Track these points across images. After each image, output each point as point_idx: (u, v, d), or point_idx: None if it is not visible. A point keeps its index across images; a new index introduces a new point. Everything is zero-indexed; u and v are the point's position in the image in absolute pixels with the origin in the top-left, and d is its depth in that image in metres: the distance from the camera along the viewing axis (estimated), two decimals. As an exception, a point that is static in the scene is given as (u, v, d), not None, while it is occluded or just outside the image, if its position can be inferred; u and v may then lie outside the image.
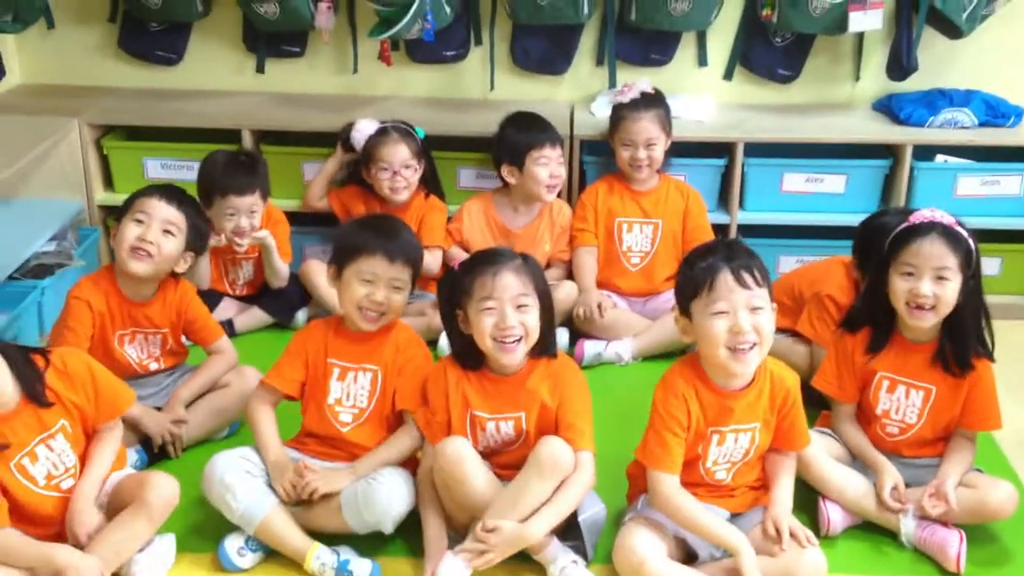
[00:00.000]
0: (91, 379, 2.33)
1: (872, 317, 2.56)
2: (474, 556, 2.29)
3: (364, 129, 3.48)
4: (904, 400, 2.55)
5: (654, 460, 2.31)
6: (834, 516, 2.51)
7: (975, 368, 2.50)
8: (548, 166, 3.44)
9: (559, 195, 3.58)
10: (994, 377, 2.52)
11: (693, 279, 2.26)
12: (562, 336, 3.29)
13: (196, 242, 2.83)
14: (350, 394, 2.51)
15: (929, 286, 2.41)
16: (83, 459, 2.33)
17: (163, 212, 2.74)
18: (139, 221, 2.72)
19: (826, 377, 2.63)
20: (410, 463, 2.51)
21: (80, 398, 2.31)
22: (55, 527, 2.29)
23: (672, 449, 2.30)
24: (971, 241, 2.44)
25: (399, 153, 3.43)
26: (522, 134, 3.47)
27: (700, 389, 2.32)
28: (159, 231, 2.72)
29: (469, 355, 2.42)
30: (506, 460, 2.43)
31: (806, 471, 2.52)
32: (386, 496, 2.34)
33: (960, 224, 2.46)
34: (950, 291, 2.41)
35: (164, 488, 2.30)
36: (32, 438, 2.24)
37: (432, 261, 3.44)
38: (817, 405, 2.71)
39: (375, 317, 2.48)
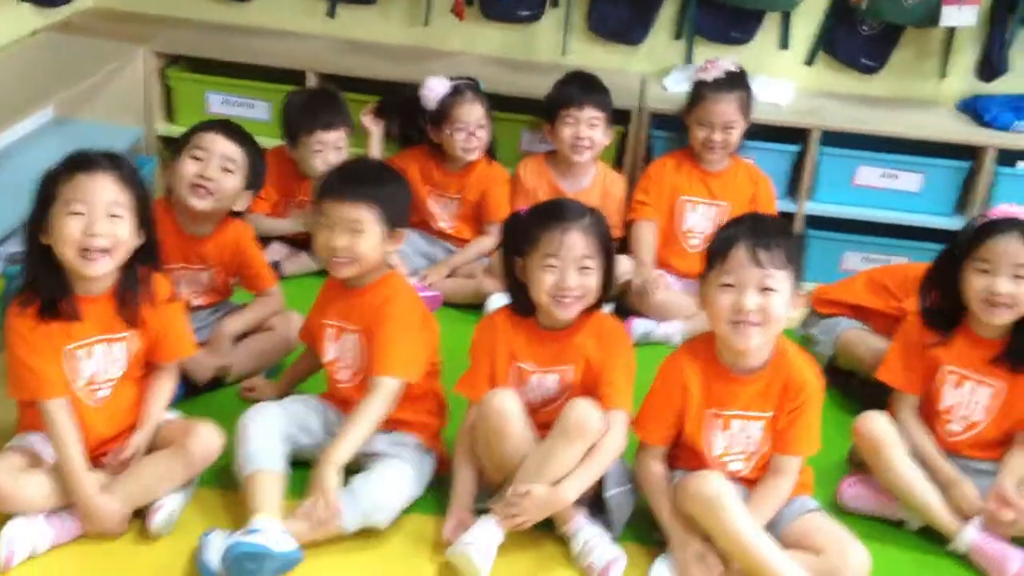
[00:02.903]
0: (171, 311, 2.33)
1: (943, 308, 2.48)
2: (506, 519, 2.24)
3: (436, 88, 3.41)
4: (970, 396, 2.47)
5: (642, 431, 2.34)
6: (849, 492, 2.50)
7: None
8: (574, 126, 3.35)
9: (621, 169, 3.49)
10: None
11: (712, 247, 2.23)
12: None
13: (255, 181, 2.80)
14: (344, 355, 2.46)
15: (1006, 284, 2.35)
16: (129, 380, 2.31)
17: (222, 148, 2.71)
18: (197, 158, 2.69)
19: (890, 367, 2.55)
20: (428, 436, 2.45)
21: (154, 324, 2.29)
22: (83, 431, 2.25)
23: (658, 423, 2.31)
24: None
25: (474, 112, 3.38)
26: (556, 91, 3.42)
27: (706, 367, 2.28)
28: (218, 168, 2.69)
29: (523, 302, 2.37)
30: (543, 419, 2.37)
31: (876, 453, 2.43)
32: (395, 491, 2.30)
33: None
34: None
35: (208, 440, 2.27)
36: (96, 333, 2.22)
37: (492, 237, 3.40)
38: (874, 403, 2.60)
39: (344, 263, 2.36)
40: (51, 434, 2.19)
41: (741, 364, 2.26)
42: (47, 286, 2.16)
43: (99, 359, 2.24)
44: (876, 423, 2.45)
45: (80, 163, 2.15)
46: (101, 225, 2.12)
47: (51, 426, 2.18)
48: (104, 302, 2.23)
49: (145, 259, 2.25)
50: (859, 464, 2.58)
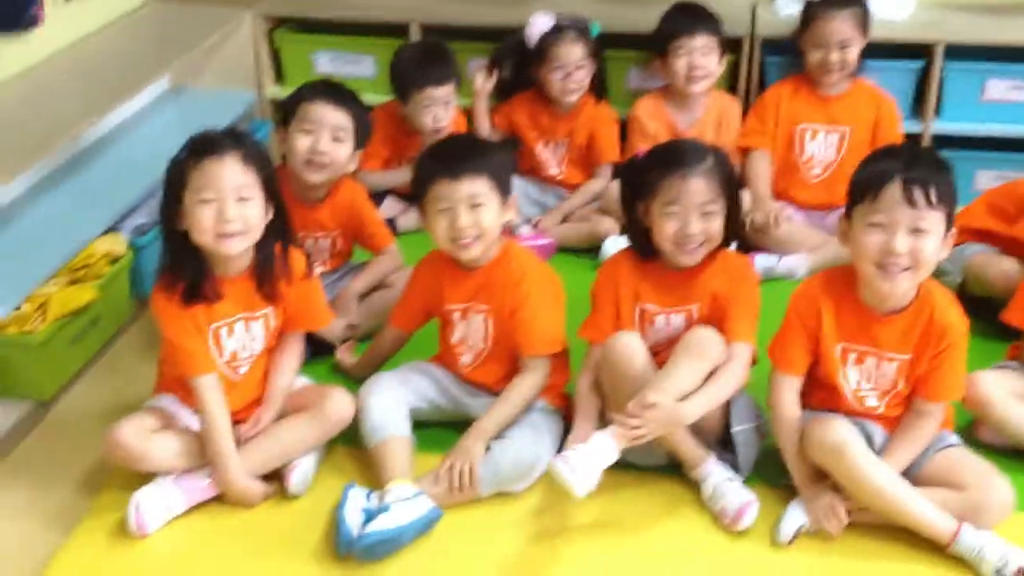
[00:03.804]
0: (308, 285, 2.37)
1: None
2: (625, 431, 2.15)
3: (540, 24, 3.36)
4: None
5: (774, 358, 2.26)
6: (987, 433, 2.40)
7: None
8: (687, 56, 3.28)
9: (735, 93, 3.42)
10: None
11: (861, 181, 2.11)
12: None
13: (363, 139, 2.81)
14: (468, 335, 2.44)
15: None
16: (267, 352, 2.36)
17: (331, 118, 2.72)
18: (307, 131, 2.71)
19: (1019, 308, 2.41)
20: (556, 395, 2.45)
21: (292, 297, 2.34)
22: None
23: (792, 350, 2.23)
24: None
25: (573, 53, 3.32)
26: (665, 22, 3.35)
27: (842, 301, 2.19)
28: (329, 139, 2.72)
29: (645, 246, 2.35)
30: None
31: (986, 416, 2.36)
32: (529, 458, 2.29)
33: None
34: None
35: (343, 404, 2.32)
36: (237, 312, 2.28)
37: (608, 181, 3.37)
38: (1007, 329, 2.51)
39: (470, 242, 2.33)
40: (201, 413, 2.25)
41: (882, 304, 2.17)
42: (188, 270, 2.22)
43: (240, 336, 2.30)
44: (979, 388, 2.34)
45: (205, 147, 2.17)
46: (232, 210, 2.15)
47: (201, 405, 2.24)
48: (243, 281, 2.28)
49: (278, 234, 2.28)
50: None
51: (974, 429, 2.44)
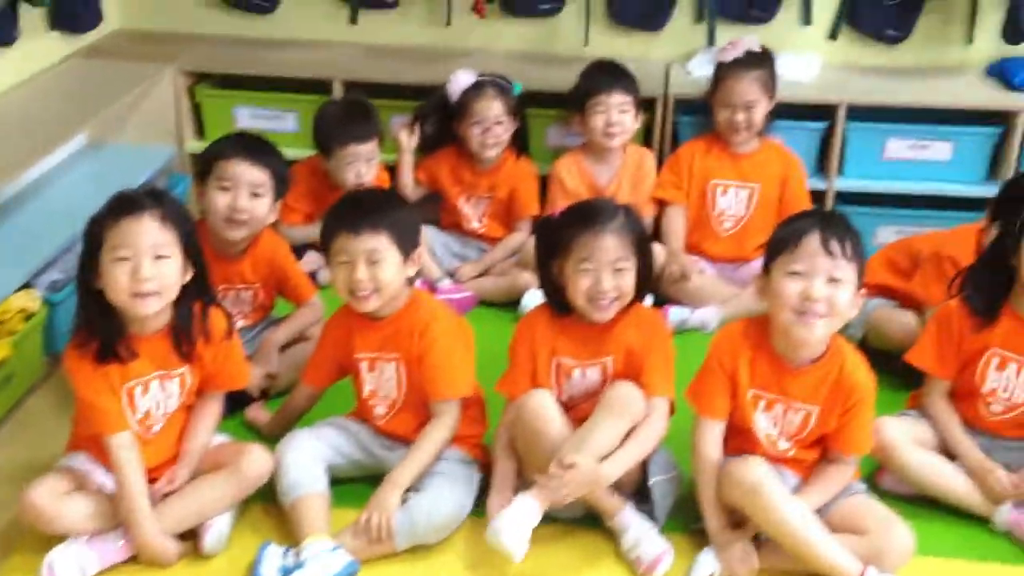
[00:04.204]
0: (228, 345, 2.36)
1: (986, 284, 2.45)
2: (546, 493, 2.20)
3: (461, 81, 3.44)
4: (1015, 379, 2.44)
5: (696, 403, 2.31)
6: (888, 480, 2.49)
7: None
8: (605, 113, 3.36)
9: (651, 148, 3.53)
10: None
11: (781, 237, 2.21)
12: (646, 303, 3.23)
13: (281, 190, 2.81)
14: (380, 386, 2.46)
15: None
16: (180, 410, 2.35)
17: (247, 176, 2.71)
18: (225, 188, 2.70)
19: (924, 351, 2.52)
20: (472, 446, 2.47)
21: (209, 357, 2.33)
22: None
23: (713, 394, 2.28)
24: None
25: (492, 109, 3.39)
26: (583, 80, 3.42)
27: (758, 350, 2.27)
28: (247, 196, 2.71)
29: (560, 303, 2.39)
30: (586, 413, 2.38)
31: (888, 460, 2.46)
32: (445, 510, 2.30)
33: None
34: None
35: (260, 462, 2.31)
36: (153, 371, 2.27)
37: (527, 236, 3.42)
38: (908, 379, 2.62)
39: (367, 296, 2.34)
40: (115, 472, 2.23)
41: (795, 354, 2.25)
42: (102, 329, 2.21)
43: (155, 394, 2.29)
44: (881, 435, 2.43)
45: (123, 206, 2.17)
46: (148, 269, 2.14)
47: (116, 464, 2.22)
48: (160, 340, 2.26)
49: (198, 293, 2.28)
50: None
51: (877, 477, 2.52)
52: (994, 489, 2.40)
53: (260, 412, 2.71)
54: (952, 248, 2.84)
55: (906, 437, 2.46)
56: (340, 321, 2.50)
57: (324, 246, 2.40)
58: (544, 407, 2.32)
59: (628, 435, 2.27)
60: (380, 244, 2.32)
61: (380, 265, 2.33)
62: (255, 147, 2.77)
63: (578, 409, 2.40)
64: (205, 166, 2.76)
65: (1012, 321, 2.43)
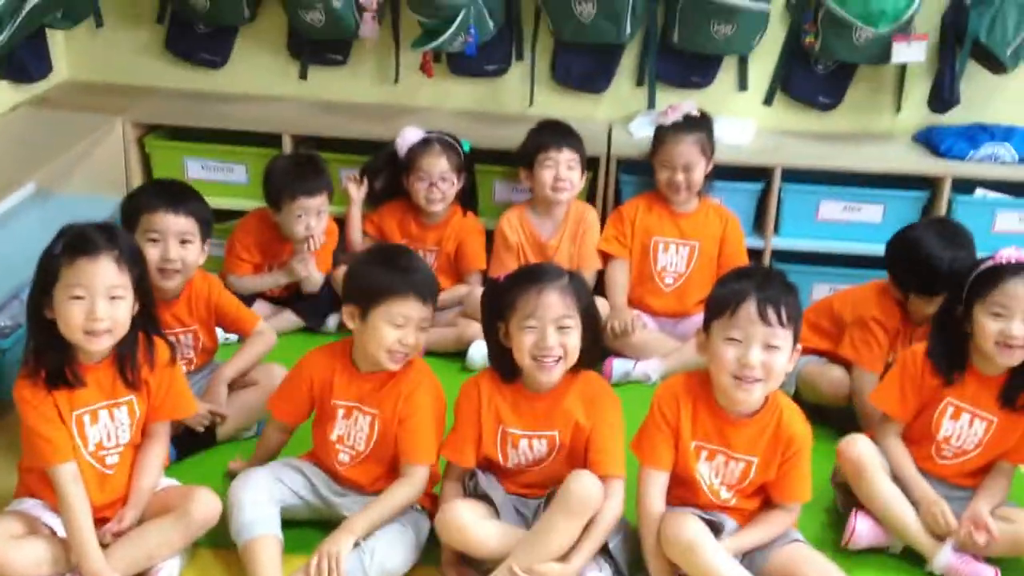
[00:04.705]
0: (171, 373, 2.38)
1: (945, 351, 2.54)
2: None
3: (409, 136, 3.50)
4: (967, 428, 2.54)
5: (641, 454, 2.35)
6: (861, 528, 2.53)
7: None
8: (553, 168, 3.44)
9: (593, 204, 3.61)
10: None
11: (719, 299, 2.27)
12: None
13: (208, 232, 2.82)
14: (350, 435, 2.48)
15: (1021, 327, 2.40)
16: (134, 447, 2.35)
17: (175, 226, 2.72)
18: (154, 240, 2.71)
19: (887, 394, 2.60)
20: (428, 501, 2.50)
21: (155, 385, 2.35)
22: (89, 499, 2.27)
23: (657, 445, 2.33)
24: None
25: (439, 165, 3.45)
26: (532, 137, 3.51)
27: (699, 402, 2.33)
28: (176, 245, 2.73)
29: (506, 367, 2.42)
30: (534, 479, 2.43)
31: (857, 479, 2.52)
32: (394, 560, 2.34)
33: None
34: None
35: (208, 506, 2.31)
36: (100, 399, 2.28)
37: (473, 287, 3.47)
38: (840, 431, 2.69)
39: (403, 358, 2.43)
40: (61, 504, 2.22)
41: (734, 408, 2.32)
42: (51, 356, 2.22)
43: (104, 424, 2.29)
44: (860, 446, 2.53)
45: (79, 245, 2.19)
46: (102, 309, 2.17)
47: (61, 495, 2.21)
48: (105, 368, 2.29)
49: (143, 323, 2.30)
50: (840, 485, 2.65)
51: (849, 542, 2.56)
52: (937, 520, 2.47)
53: (240, 463, 2.68)
54: (872, 309, 2.98)
55: (877, 460, 2.53)
56: (324, 359, 2.52)
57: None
58: (463, 521, 2.31)
59: (588, 523, 2.29)
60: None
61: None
62: (178, 196, 2.78)
63: (528, 475, 2.44)
64: (131, 217, 2.76)
65: (972, 376, 2.53)
